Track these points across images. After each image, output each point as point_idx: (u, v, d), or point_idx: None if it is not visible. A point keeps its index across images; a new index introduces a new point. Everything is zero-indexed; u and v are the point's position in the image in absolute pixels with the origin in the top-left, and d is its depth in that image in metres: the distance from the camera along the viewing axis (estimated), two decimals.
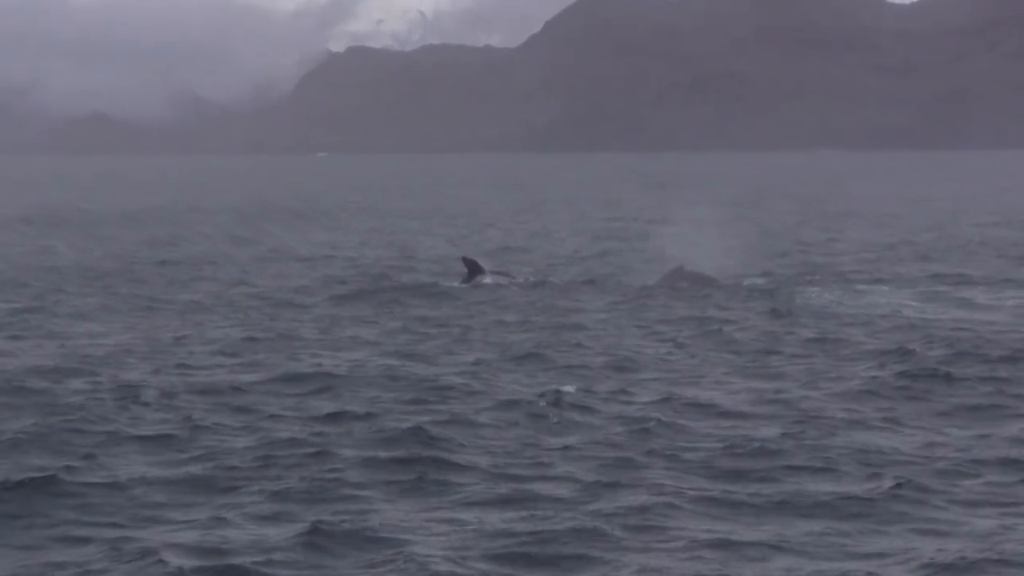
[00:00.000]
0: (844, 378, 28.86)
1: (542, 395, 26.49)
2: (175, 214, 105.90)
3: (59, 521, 18.64)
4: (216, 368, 30.52)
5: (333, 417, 24.97)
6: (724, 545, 17.39)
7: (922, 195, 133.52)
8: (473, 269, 49.67)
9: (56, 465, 21.18)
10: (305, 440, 22.86)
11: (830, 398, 26.68)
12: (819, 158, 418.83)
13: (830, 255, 60.86)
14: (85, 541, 17.85)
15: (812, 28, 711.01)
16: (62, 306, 42.74)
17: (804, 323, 37.62)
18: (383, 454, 21.81)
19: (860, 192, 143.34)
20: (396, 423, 24.18)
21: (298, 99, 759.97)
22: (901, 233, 75.56)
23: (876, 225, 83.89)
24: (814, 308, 40.89)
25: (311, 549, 17.19)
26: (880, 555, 17.20)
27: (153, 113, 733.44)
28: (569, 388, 27.09)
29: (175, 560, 16.69)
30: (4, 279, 51.44)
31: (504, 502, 19.30)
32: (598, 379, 28.82)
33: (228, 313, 41.46)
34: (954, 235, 73.83)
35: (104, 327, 37.90)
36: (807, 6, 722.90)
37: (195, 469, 21.07)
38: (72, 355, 32.30)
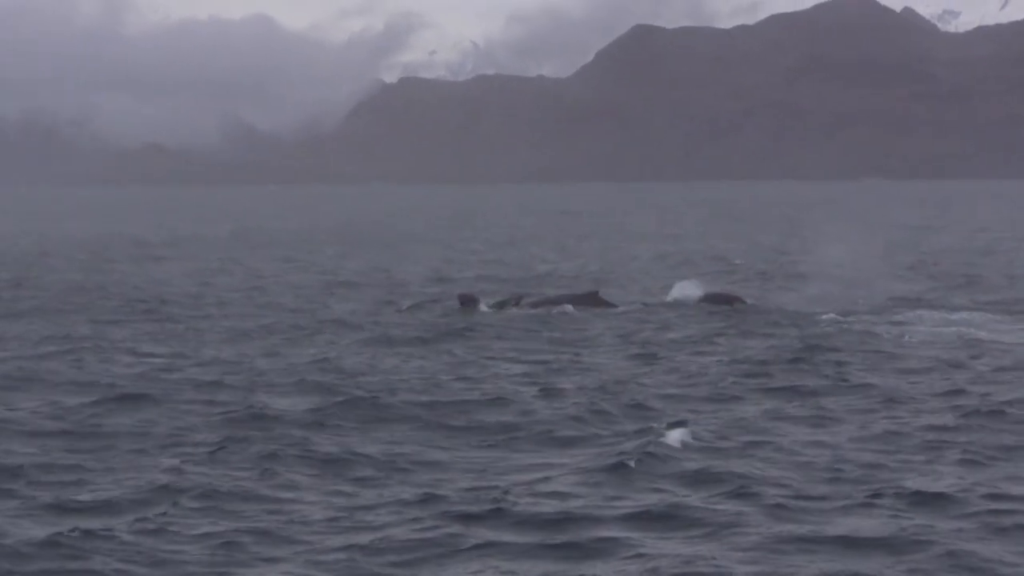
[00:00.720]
0: (919, 409, 28.28)
1: (636, 432, 25.66)
2: (225, 241, 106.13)
3: (134, 572, 18.07)
4: (280, 399, 29.98)
5: (398, 461, 24.01)
6: None
7: (979, 224, 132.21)
8: (467, 302, 49.17)
9: (124, 511, 20.53)
10: (371, 488, 22.00)
11: (902, 434, 25.97)
12: (867, 187, 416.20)
13: (890, 281, 60.15)
14: None
15: (865, 57, 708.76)
16: (116, 334, 42.56)
17: (862, 351, 37.08)
18: (453, 506, 20.64)
19: (913, 221, 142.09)
20: (464, 466, 23.47)
21: (351, 129, 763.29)
22: (956, 262, 74.66)
23: (930, 254, 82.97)
24: (870, 336, 40.32)
25: None
26: None
27: (207, 143, 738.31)
28: (684, 441, 24.91)
29: None
30: (59, 307, 51.42)
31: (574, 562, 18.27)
32: (675, 417, 27.27)
33: (291, 337, 41.19)
34: (1011, 263, 72.94)
35: (157, 355, 37.62)
36: (860, 35, 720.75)
37: (263, 522, 20.11)
38: (126, 384, 31.99)
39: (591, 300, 48.88)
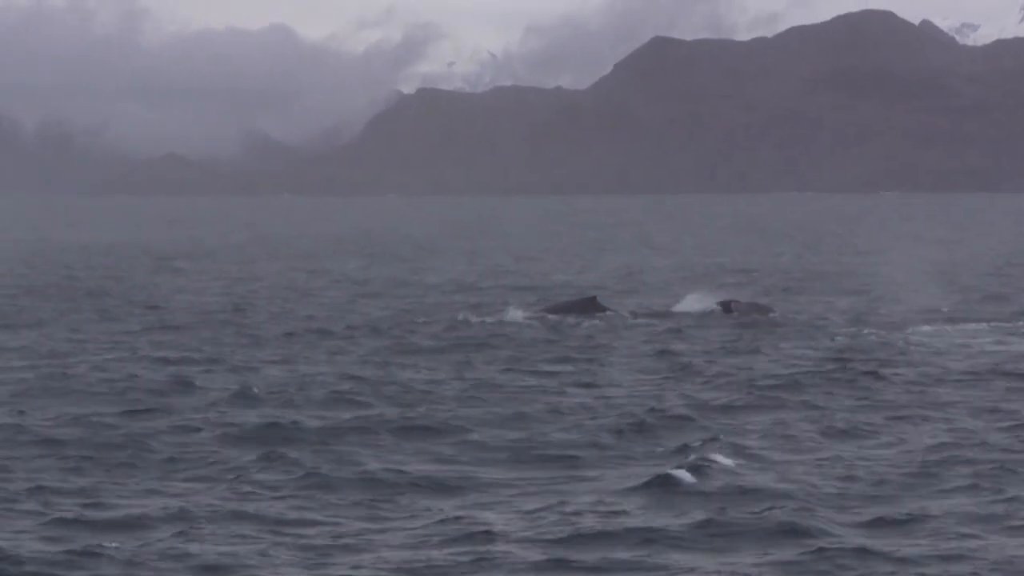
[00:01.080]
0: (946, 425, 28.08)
1: (657, 447, 25.29)
2: (244, 250, 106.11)
3: None
4: (303, 411, 29.71)
5: (426, 475, 23.63)
6: None
7: (999, 238, 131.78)
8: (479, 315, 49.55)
9: (145, 526, 20.26)
10: (394, 504, 21.69)
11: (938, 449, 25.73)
12: (886, 200, 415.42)
13: (912, 294, 59.94)
14: None
15: (883, 70, 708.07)
16: (136, 343, 42.46)
17: (884, 362, 36.87)
18: (481, 524, 20.27)
19: (933, 235, 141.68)
20: (490, 482, 23.13)
21: (368, 140, 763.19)
22: (978, 276, 74.34)
23: (952, 267, 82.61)
24: (892, 348, 40.12)
25: None
26: None
27: (225, 154, 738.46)
28: (721, 458, 24.13)
29: None
30: (78, 316, 51.40)
31: None
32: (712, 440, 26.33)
33: (312, 346, 41.05)
34: None
35: (178, 364, 37.45)
36: (878, 48, 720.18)
37: (284, 536, 19.85)
38: (147, 395, 31.86)
39: (591, 306, 48.89)
